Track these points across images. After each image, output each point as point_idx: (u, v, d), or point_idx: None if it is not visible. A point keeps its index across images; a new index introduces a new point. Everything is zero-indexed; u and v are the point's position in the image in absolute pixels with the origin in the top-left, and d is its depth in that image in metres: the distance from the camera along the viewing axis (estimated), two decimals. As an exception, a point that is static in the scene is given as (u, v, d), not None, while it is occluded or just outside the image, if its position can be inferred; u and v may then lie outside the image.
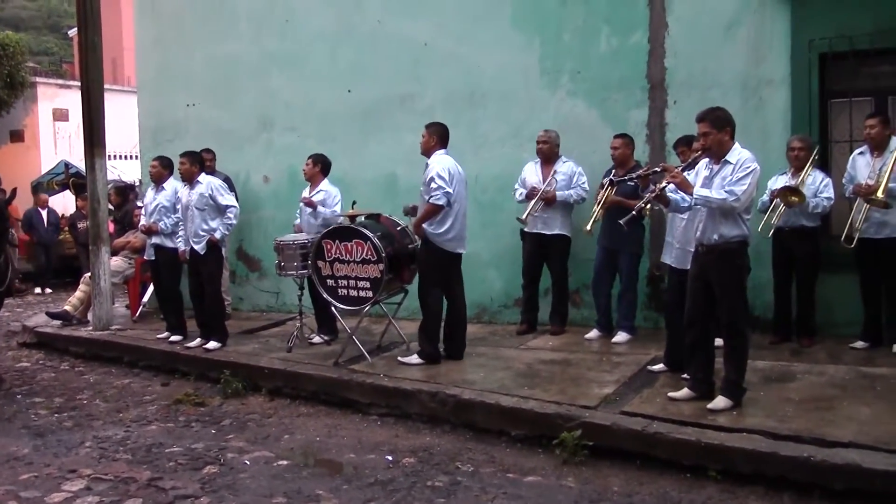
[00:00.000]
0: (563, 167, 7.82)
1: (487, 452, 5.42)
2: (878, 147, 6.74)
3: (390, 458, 5.36)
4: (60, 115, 20.81)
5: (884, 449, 4.55)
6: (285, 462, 5.32)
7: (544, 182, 7.77)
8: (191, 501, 4.65)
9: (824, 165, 7.38)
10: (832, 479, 4.45)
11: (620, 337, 7.53)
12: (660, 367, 6.40)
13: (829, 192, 6.94)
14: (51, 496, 4.75)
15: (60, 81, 21.55)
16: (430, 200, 6.65)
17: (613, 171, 7.40)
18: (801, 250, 6.98)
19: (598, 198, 7.36)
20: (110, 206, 10.74)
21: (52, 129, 20.86)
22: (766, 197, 7.03)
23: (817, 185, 6.94)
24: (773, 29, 7.44)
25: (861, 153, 6.92)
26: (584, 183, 7.79)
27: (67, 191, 17.51)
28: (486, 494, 4.69)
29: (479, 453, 5.41)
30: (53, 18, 49.54)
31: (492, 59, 8.57)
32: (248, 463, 5.32)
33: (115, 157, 18.21)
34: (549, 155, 7.86)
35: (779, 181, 7.06)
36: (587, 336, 7.74)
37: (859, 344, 6.92)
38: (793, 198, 6.78)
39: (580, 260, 8.15)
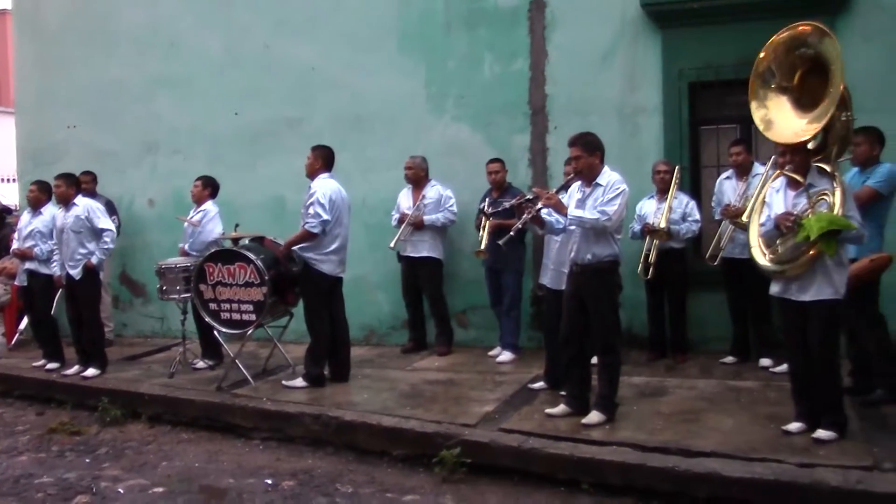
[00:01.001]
0: (431, 191, 8.03)
1: (369, 473, 5.44)
2: (743, 171, 7.11)
3: (270, 481, 5.32)
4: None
5: (741, 457, 4.78)
6: (161, 489, 5.23)
7: (414, 207, 7.93)
8: (58, 532, 4.52)
9: (694, 189, 7.73)
10: (696, 487, 4.65)
11: (504, 356, 7.69)
12: (540, 384, 6.56)
13: (696, 215, 7.28)
14: None
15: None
16: (306, 226, 6.68)
17: (489, 195, 7.61)
18: (671, 271, 7.27)
19: (482, 224, 7.54)
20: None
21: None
22: (636, 227, 7.31)
23: (683, 207, 7.26)
24: (647, 59, 7.78)
25: (727, 177, 7.26)
26: (451, 206, 8.02)
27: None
28: (364, 514, 4.72)
29: (361, 474, 5.43)
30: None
31: (378, 84, 8.67)
32: (121, 491, 5.20)
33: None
34: (416, 180, 8.07)
35: (646, 205, 7.36)
36: (490, 353, 7.89)
37: (729, 359, 7.25)
38: (659, 236, 7.12)
39: (465, 281, 8.31)
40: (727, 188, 7.21)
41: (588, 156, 5.55)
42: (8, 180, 17.72)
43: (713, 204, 7.36)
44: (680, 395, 6.26)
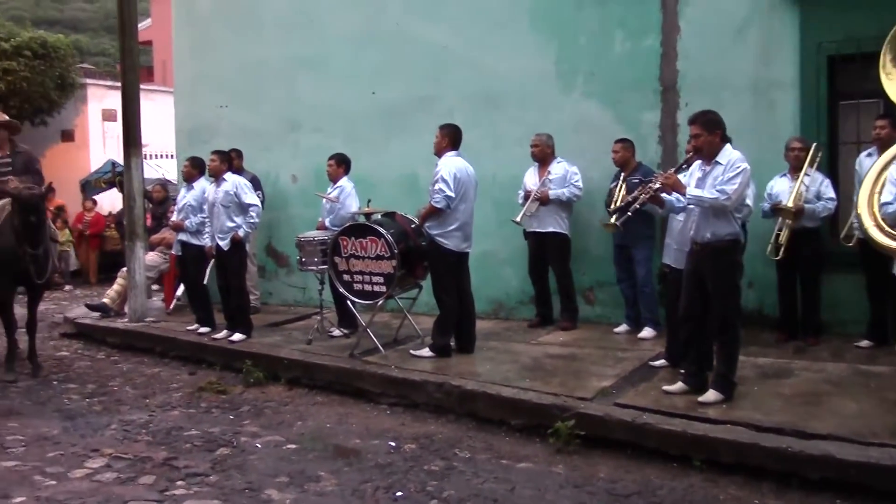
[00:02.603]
0: (557, 168, 8.13)
1: (486, 440, 5.67)
2: (886, 148, 6.81)
3: (393, 444, 5.64)
4: (109, 116, 21.41)
5: (859, 441, 4.70)
6: (294, 446, 5.64)
7: (540, 183, 8.05)
8: (200, 479, 4.98)
9: (832, 167, 7.49)
10: (808, 469, 4.62)
11: (646, 332, 7.72)
12: (661, 362, 6.60)
13: (831, 194, 7.07)
14: (73, 472, 5.12)
15: (109, 83, 22.18)
16: (431, 202, 6.94)
17: (619, 174, 7.65)
18: (804, 251, 7.09)
19: (615, 197, 7.57)
20: (150, 204, 11.23)
21: (101, 129, 21.48)
22: (766, 205, 7.16)
23: (818, 186, 7.06)
24: (783, 32, 7.57)
25: (869, 154, 6.97)
26: (577, 181, 8.10)
27: (114, 189, 18.10)
28: (478, 478, 4.94)
29: (479, 441, 5.67)
30: (110, 20, 50.78)
31: (509, 61, 8.81)
32: (259, 446, 5.64)
33: (162, 156, 18.82)
34: (542, 157, 8.19)
35: (778, 183, 7.20)
36: (615, 330, 7.98)
37: (864, 343, 7.03)
38: (787, 215, 6.95)
39: (593, 258, 8.38)
40: (868, 166, 6.91)
41: (708, 134, 5.52)
42: (170, 156, 18.91)
43: (856, 183, 7.08)
44: (804, 378, 6.16)
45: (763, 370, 6.39)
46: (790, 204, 6.95)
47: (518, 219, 8.08)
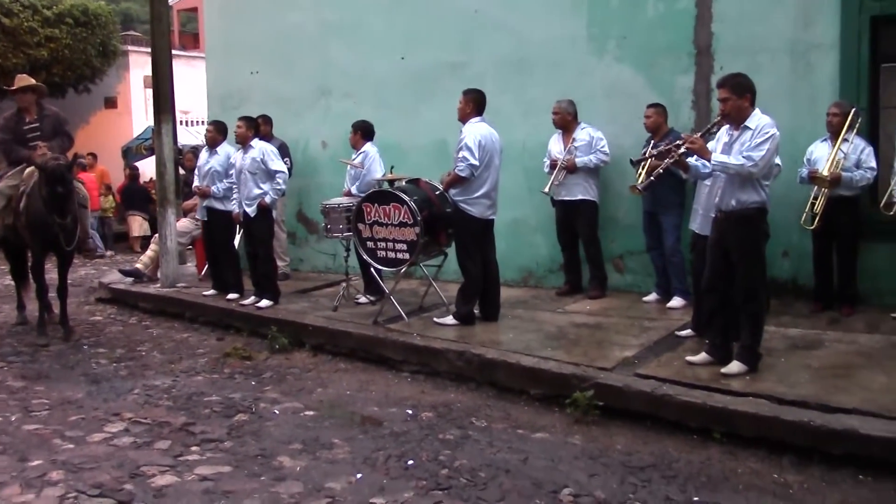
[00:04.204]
0: (581, 134, 7.99)
1: (505, 409, 5.62)
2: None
3: (411, 412, 5.61)
4: (150, 83, 21.62)
5: (885, 416, 4.56)
6: (312, 412, 5.64)
7: (565, 151, 7.89)
8: (214, 445, 4.99)
9: (872, 132, 7.23)
10: (831, 443, 4.50)
11: (675, 302, 7.57)
12: (687, 332, 6.46)
13: (872, 163, 6.82)
14: (91, 436, 5.17)
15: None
16: (455, 170, 6.84)
17: (651, 140, 7.46)
18: (841, 220, 6.87)
19: (644, 163, 7.40)
20: (183, 171, 11.30)
21: (143, 95, 21.65)
22: (804, 172, 6.94)
23: (858, 153, 6.82)
24: (824, -9, 7.29)
25: (913, 119, 6.74)
26: (603, 147, 7.95)
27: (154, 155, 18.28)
28: (492, 448, 4.89)
29: (497, 410, 5.61)
30: (158, -13, 51.08)
31: (540, 25, 8.62)
32: (277, 412, 5.65)
33: (198, 122, 18.94)
34: (563, 125, 8.06)
35: (818, 149, 6.97)
36: (644, 299, 7.86)
37: (903, 314, 6.82)
38: (822, 183, 6.73)
39: (623, 226, 8.23)
40: (912, 131, 6.69)
41: (737, 98, 5.33)
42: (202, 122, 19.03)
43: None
44: (835, 350, 5.99)
45: (793, 341, 6.22)
46: (826, 172, 6.72)
47: (547, 189, 7.96)
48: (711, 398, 5.03)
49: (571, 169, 7.88)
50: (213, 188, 8.52)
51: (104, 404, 5.86)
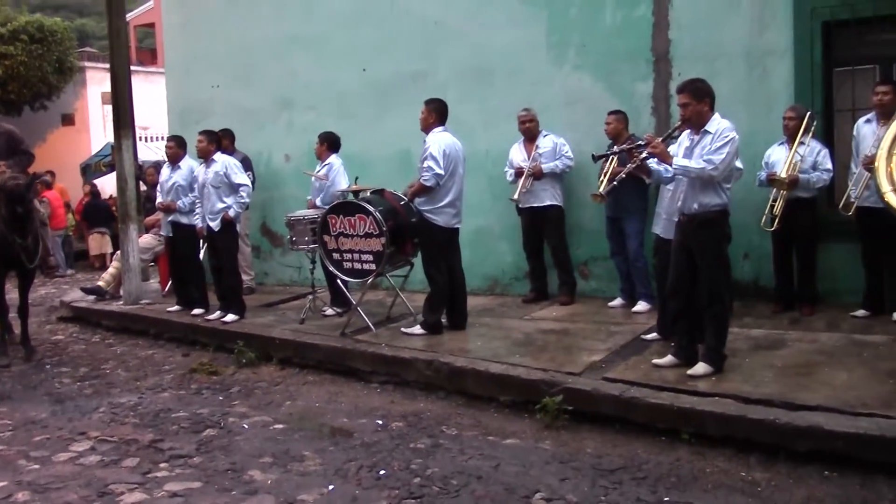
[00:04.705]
0: (545, 142, 8.10)
1: (475, 417, 5.63)
2: (886, 115, 6.63)
3: (381, 422, 5.60)
4: (109, 99, 21.37)
5: (848, 412, 4.64)
6: (281, 426, 5.60)
7: (529, 158, 7.98)
8: (184, 461, 4.95)
9: (827, 135, 7.37)
10: (796, 441, 4.56)
11: (640, 306, 7.64)
12: (653, 335, 6.53)
13: (828, 164, 6.96)
14: (57, 455, 5.10)
15: (109, 66, 22.15)
16: (420, 180, 6.87)
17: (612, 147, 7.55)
18: (799, 221, 7.00)
19: (605, 168, 7.48)
20: (145, 186, 11.19)
21: (101, 112, 21.44)
22: (763, 175, 7.07)
23: (814, 156, 6.95)
24: (776, -2, 7.43)
25: (868, 121, 6.84)
26: (567, 152, 8.07)
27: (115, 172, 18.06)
28: (463, 456, 4.89)
29: (467, 418, 5.62)
30: (116, 4, 50.73)
31: (500, 35, 8.69)
32: (246, 427, 5.61)
33: (162, 138, 18.78)
34: (535, 132, 8.11)
35: (775, 152, 7.10)
36: (610, 304, 7.91)
37: (860, 312, 6.93)
38: (781, 185, 6.86)
39: (587, 232, 8.30)
40: (867, 133, 6.79)
41: (697, 103, 5.42)
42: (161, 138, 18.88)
43: (854, 149, 6.95)
44: (797, 349, 6.08)
45: (756, 342, 6.32)
46: (784, 174, 6.85)
47: (515, 196, 8.00)
48: (679, 399, 5.08)
49: (539, 175, 7.94)
50: (179, 202, 8.44)
51: (69, 423, 5.78)
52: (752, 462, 4.60)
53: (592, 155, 6.74)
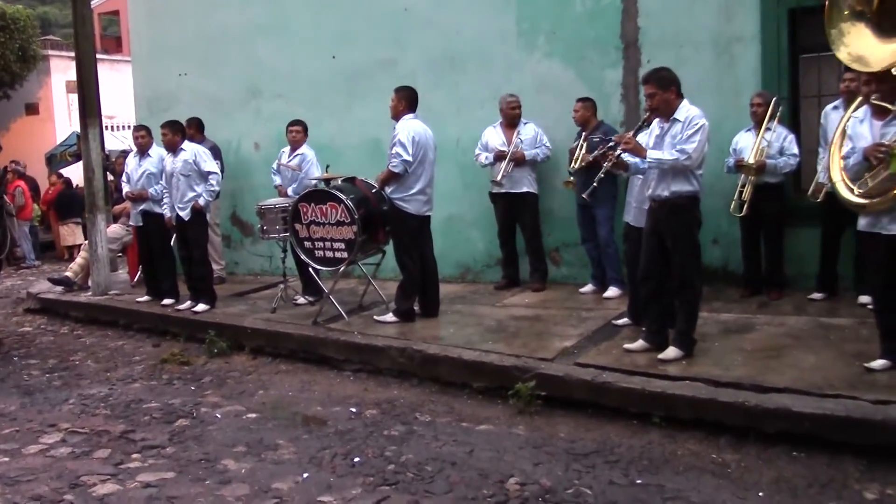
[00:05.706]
0: (526, 129, 8.10)
1: (448, 404, 5.65)
2: (854, 100, 6.73)
3: (355, 410, 5.60)
4: (73, 88, 21.05)
5: (815, 393, 4.72)
6: (254, 415, 5.59)
7: (509, 144, 7.98)
8: (156, 451, 4.92)
9: (794, 121, 7.46)
10: (765, 422, 4.63)
11: (611, 292, 7.70)
12: (624, 321, 6.58)
13: (794, 149, 7.04)
14: (27, 448, 5.06)
15: (73, 54, 21.82)
16: (389, 166, 6.87)
17: (581, 134, 7.60)
18: (767, 207, 7.08)
19: (576, 155, 7.52)
20: (112, 176, 11.07)
21: (66, 101, 21.16)
22: (731, 161, 7.13)
23: (781, 141, 7.03)
24: (744, -15, 7.49)
25: (835, 107, 6.87)
26: (546, 142, 8.11)
27: (80, 161, 17.82)
28: (437, 442, 4.92)
29: (440, 405, 5.64)
30: (78, -9, 49.90)
31: (470, 22, 8.68)
32: (219, 416, 5.59)
33: (128, 127, 18.55)
34: (517, 118, 8.09)
35: (742, 139, 7.17)
36: (581, 290, 7.95)
37: (816, 295, 7.05)
38: (749, 171, 6.94)
39: (558, 218, 8.33)
40: (834, 119, 6.83)
41: (663, 92, 5.46)
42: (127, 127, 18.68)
43: (820, 136, 7.03)
44: (766, 332, 6.17)
45: (725, 326, 6.39)
46: (752, 160, 6.92)
47: (499, 177, 7.97)
48: (650, 384, 5.14)
49: (520, 161, 7.95)
50: (151, 190, 8.36)
51: (39, 416, 5.72)
52: (722, 444, 4.66)
53: (569, 171, 6.78)
